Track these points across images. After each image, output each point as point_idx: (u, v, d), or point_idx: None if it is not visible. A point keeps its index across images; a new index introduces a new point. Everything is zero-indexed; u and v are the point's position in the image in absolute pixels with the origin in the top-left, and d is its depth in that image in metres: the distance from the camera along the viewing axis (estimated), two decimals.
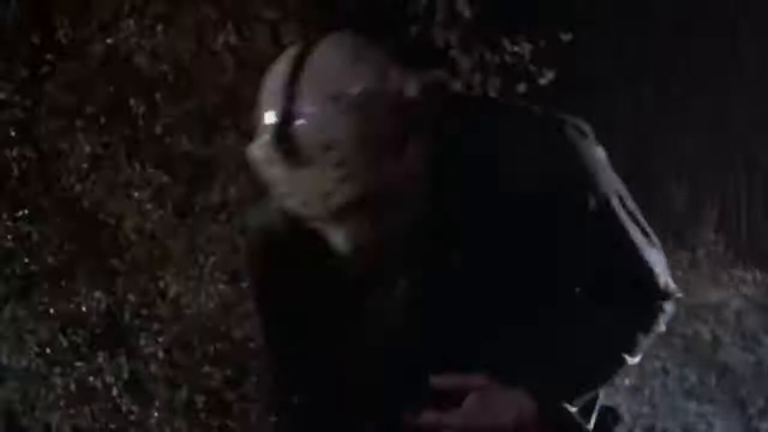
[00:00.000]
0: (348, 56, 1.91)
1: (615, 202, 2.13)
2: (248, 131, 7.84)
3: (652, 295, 2.19)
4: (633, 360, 2.18)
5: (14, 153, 7.85)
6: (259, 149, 1.94)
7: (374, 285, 2.05)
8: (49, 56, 7.76)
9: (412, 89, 1.93)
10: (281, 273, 2.11)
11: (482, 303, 2.07)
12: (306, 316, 2.10)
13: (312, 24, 8.31)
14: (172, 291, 8.37)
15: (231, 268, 8.37)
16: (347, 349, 2.10)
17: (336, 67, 1.90)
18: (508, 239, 2.06)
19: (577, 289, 2.16)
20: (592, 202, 2.10)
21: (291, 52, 2.00)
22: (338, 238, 1.94)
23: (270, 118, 1.93)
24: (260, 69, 8.11)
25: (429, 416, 2.04)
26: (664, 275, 2.20)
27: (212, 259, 8.39)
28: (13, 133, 7.80)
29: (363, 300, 2.07)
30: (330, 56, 1.92)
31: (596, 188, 2.11)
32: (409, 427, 2.05)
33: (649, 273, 2.18)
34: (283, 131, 1.88)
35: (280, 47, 8.27)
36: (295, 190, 1.89)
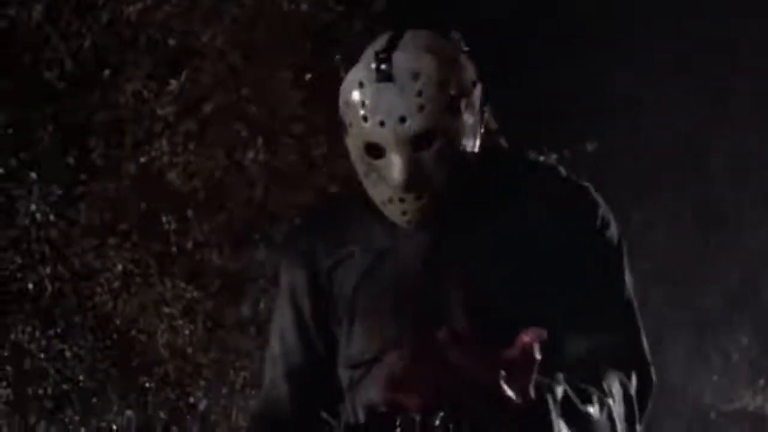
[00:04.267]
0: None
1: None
2: (278, 243, 7.73)
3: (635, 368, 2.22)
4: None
5: (48, 271, 7.83)
6: (357, 71, 2.19)
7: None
8: (83, 176, 7.78)
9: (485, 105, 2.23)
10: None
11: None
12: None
13: (339, 138, 8.40)
14: (202, 406, 8.34)
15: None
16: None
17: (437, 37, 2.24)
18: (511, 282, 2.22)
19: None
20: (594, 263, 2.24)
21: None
22: (394, 170, 2.16)
23: (373, 48, 2.20)
24: (289, 182, 8.10)
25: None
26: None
27: (243, 373, 8.38)
28: (47, 252, 7.78)
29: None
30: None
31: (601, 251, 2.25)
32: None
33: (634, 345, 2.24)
34: (383, 55, 2.16)
35: (308, 161, 8.37)
36: (379, 107, 2.14)
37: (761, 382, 8.07)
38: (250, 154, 8.15)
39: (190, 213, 8.10)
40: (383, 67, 2.15)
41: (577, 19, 8.37)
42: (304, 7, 8.01)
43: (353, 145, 2.23)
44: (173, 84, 7.82)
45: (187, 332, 8.21)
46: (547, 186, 2.27)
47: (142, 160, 7.89)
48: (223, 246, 8.24)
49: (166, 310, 8.15)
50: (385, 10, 8.05)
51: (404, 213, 2.21)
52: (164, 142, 7.89)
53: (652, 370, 2.23)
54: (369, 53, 2.19)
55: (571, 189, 2.26)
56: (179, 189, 8.03)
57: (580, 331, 2.21)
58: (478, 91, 2.23)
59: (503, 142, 2.34)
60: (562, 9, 8.20)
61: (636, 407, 2.17)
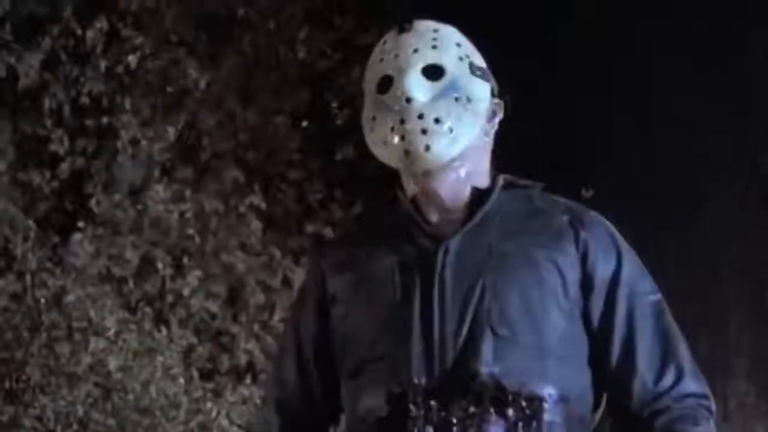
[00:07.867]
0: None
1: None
2: (274, 289, 7.64)
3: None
4: None
5: (44, 320, 7.75)
6: (387, 36, 2.43)
7: None
8: (80, 223, 7.74)
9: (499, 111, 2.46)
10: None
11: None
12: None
13: (336, 183, 8.40)
14: None
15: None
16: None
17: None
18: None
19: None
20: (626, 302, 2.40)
21: None
22: (400, 82, 2.33)
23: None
24: (286, 228, 8.04)
25: None
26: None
27: (238, 421, 8.31)
28: (43, 300, 7.71)
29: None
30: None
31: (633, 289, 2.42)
32: None
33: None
34: (407, 21, 2.41)
35: (305, 206, 8.36)
36: (399, 49, 2.36)
37: (759, 429, 8.09)
38: (246, 201, 8.13)
39: (186, 260, 8.06)
40: (406, 26, 2.40)
41: (570, 62, 8.38)
42: (301, 54, 8.04)
43: (367, 93, 2.40)
44: (170, 130, 7.81)
45: (182, 380, 8.14)
46: (564, 212, 2.39)
47: (139, 207, 7.86)
48: (218, 293, 8.20)
49: (161, 358, 8.08)
50: None
51: (402, 138, 2.28)
52: (161, 188, 7.87)
53: (712, 401, 2.32)
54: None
55: (586, 217, 2.39)
56: (175, 236, 8.00)
57: (638, 365, 2.28)
58: (492, 82, 2.41)
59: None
60: (549, 48, 8.19)
61: None
